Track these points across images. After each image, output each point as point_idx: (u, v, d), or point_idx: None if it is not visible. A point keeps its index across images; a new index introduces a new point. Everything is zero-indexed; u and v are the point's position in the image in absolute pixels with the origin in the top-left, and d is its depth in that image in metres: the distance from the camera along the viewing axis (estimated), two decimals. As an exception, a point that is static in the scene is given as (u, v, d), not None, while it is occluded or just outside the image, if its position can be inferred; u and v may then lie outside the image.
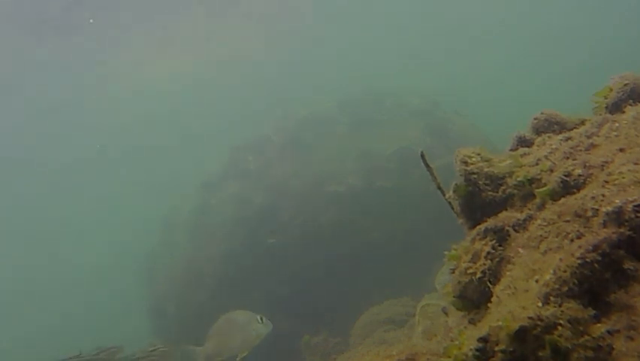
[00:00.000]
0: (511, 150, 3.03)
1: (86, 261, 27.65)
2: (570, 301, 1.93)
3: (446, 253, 2.80)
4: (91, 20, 16.22)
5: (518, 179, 2.67)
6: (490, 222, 2.63)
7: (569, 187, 2.43)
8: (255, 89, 24.34)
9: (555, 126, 3.00)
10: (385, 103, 12.26)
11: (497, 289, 2.32)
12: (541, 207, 2.51)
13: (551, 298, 1.95)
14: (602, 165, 2.36)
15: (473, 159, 2.78)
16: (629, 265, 1.95)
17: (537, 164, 2.69)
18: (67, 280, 26.70)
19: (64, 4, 15.29)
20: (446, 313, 3.53)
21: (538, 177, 2.62)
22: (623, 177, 2.17)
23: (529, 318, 1.88)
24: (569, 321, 1.87)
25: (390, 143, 10.87)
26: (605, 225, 2.05)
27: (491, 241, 2.57)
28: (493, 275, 2.50)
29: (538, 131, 3.03)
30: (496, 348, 1.91)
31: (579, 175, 2.41)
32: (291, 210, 10.42)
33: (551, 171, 2.59)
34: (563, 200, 2.39)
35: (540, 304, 1.95)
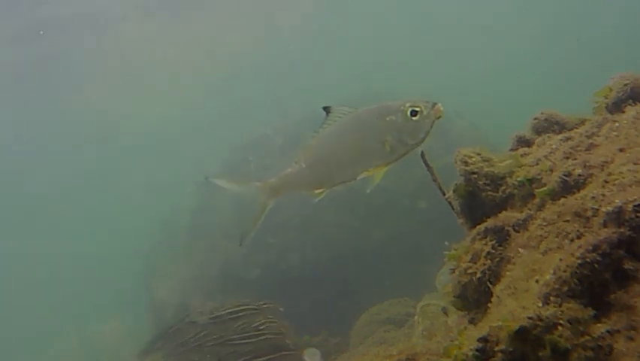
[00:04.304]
0: (511, 150, 3.03)
1: (86, 261, 27.63)
2: (570, 301, 1.93)
3: (446, 253, 2.80)
4: (41, 32, 15.51)
5: (518, 179, 2.67)
6: (490, 222, 2.63)
7: (569, 187, 2.43)
8: (255, 88, 24.32)
9: (555, 126, 3.00)
10: (385, 103, 12.24)
11: (497, 289, 2.32)
12: (541, 207, 2.51)
13: (551, 298, 1.95)
14: (602, 165, 2.36)
15: (473, 159, 2.78)
16: (629, 265, 1.95)
17: (537, 164, 2.69)
18: (66, 279, 26.67)
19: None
20: (446, 313, 3.53)
21: (538, 177, 2.62)
22: (623, 177, 2.17)
23: (530, 318, 1.88)
24: (569, 321, 1.87)
25: (391, 143, 10.86)
26: (605, 225, 2.05)
27: (491, 241, 2.57)
28: (493, 275, 2.50)
29: (538, 131, 3.03)
30: (496, 348, 1.91)
31: (579, 175, 2.41)
32: (291, 210, 10.41)
33: (551, 171, 2.59)
34: (563, 200, 2.39)
35: (540, 304, 1.95)
